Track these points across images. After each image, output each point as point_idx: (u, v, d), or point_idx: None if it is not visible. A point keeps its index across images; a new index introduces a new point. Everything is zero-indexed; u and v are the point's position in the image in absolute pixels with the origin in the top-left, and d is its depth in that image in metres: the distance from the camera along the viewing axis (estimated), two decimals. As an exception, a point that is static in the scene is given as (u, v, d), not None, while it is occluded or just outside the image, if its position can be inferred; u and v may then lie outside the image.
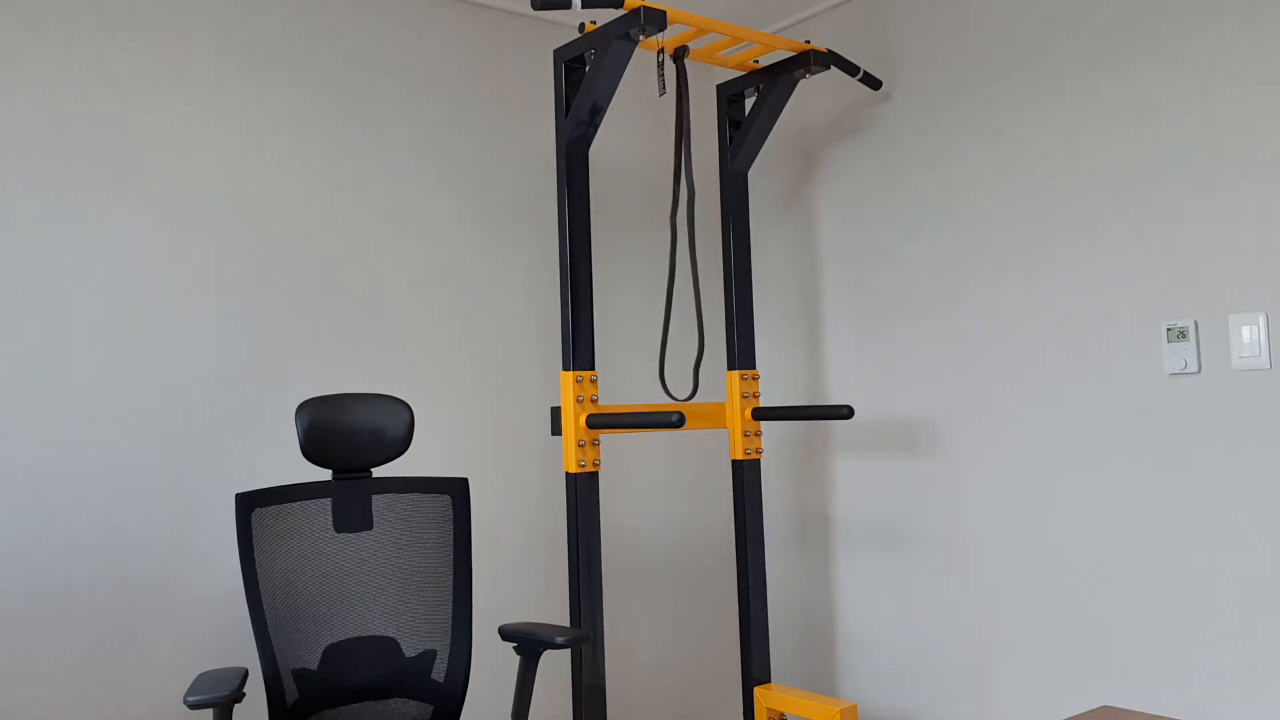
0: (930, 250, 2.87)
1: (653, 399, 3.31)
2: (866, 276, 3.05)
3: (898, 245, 2.96)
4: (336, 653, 2.09)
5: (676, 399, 2.71)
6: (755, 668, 2.83)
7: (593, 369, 2.59)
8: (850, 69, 2.85)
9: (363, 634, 2.12)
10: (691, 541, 3.36)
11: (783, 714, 2.81)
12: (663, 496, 3.30)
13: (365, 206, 2.79)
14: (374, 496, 2.16)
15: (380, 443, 2.17)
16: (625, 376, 3.25)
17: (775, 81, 2.80)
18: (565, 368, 2.58)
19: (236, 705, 2.47)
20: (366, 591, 2.13)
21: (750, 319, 2.93)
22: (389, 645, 2.14)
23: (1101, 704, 2.47)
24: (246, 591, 1.99)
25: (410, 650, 2.15)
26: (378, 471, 2.76)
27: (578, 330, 2.58)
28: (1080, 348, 2.51)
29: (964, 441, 2.77)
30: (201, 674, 1.89)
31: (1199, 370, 2.28)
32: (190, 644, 2.44)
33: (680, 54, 2.70)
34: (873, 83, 2.93)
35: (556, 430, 3.08)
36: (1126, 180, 2.43)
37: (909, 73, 2.94)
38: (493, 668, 2.92)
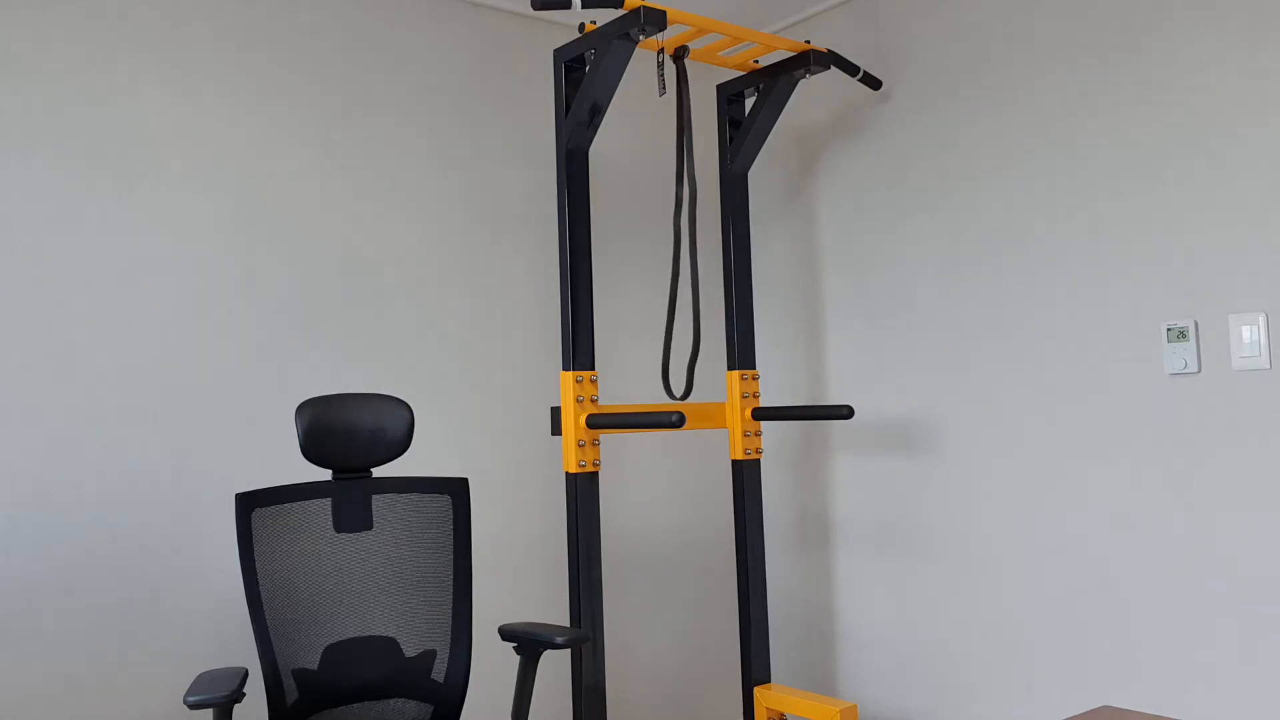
0: (930, 250, 2.87)
1: (653, 399, 3.31)
2: (867, 276, 3.05)
3: (898, 245, 2.96)
4: (336, 653, 2.09)
5: (675, 398, 2.72)
6: (755, 668, 2.82)
7: (593, 369, 2.59)
8: (850, 69, 2.85)
9: (363, 634, 2.12)
10: (691, 541, 3.36)
11: (783, 714, 2.81)
12: (663, 496, 3.30)
13: (365, 206, 2.79)
14: (374, 496, 2.16)
15: (380, 443, 2.17)
16: (625, 376, 3.25)
17: (775, 81, 2.80)
18: (565, 368, 2.58)
19: (236, 705, 2.47)
20: (366, 591, 2.13)
21: (750, 319, 2.93)
22: (389, 645, 2.14)
23: (1101, 704, 2.47)
24: (246, 591, 1.99)
25: (410, 650, 2.15)
26: (378, 471, 2.76)
27: (578, 330, 2.58)
28: (1080, 348, 2.51)
29: (964, 441, 2.77)
30: (201, 674, 1.89)
31: (1199, 370, 2.28)
32: (190, 644, 2.44)
33: (680, 54, 2.70)
34: (873, 83, 2.93)
35: (556, 430, 3.08)
36: (1127, 180, 2.43)
37: (909, 73, 2.94)
38: (493, 668, 2.92)
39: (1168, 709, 2.33)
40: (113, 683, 2.33)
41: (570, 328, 2.58)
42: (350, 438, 2.14)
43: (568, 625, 2.67)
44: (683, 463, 3.36)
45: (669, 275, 3.38)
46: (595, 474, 2.57)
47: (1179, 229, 2.33)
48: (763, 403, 3.40)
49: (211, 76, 2.58)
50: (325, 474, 2.72)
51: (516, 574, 2.97)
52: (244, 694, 1.81)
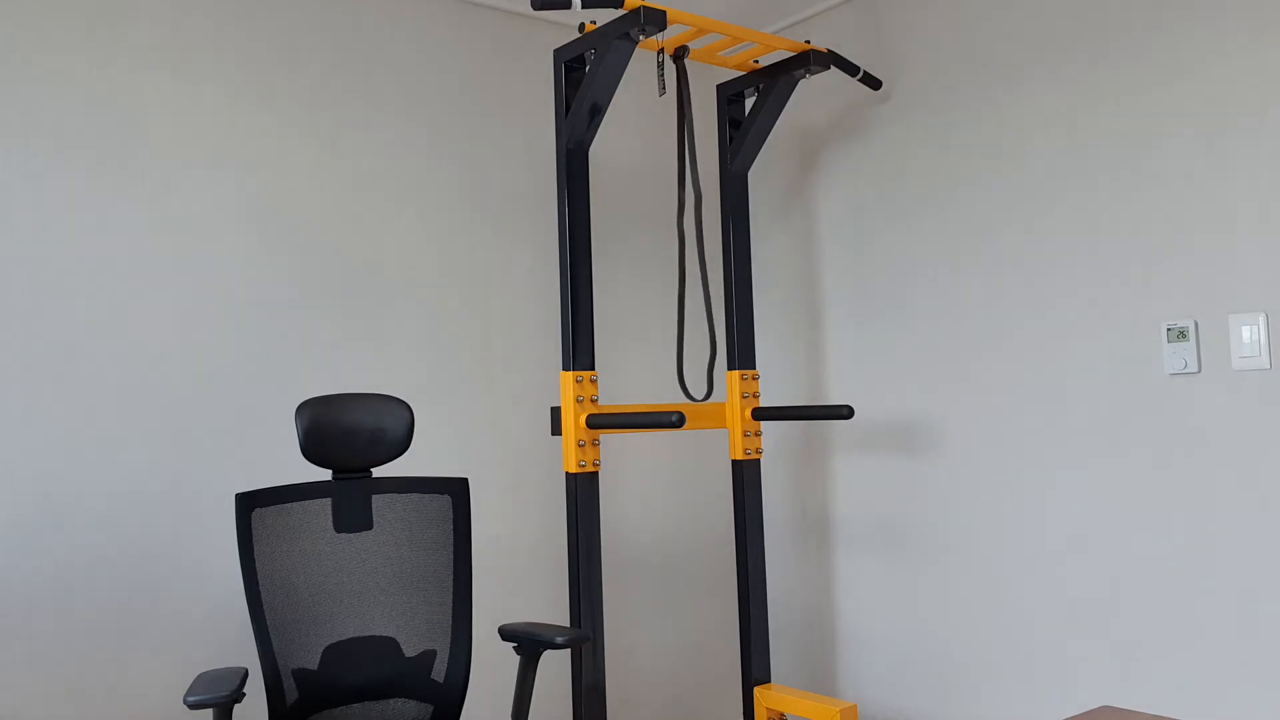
0: (931, 250, 2.87)
1: (653, 399, 3.31)
2: (866, 276, 3.05)
3: (898, 245, 2.96)
4: (336, 653, 2.09)
5: (695, 399, 2.74)
6: (755, 668, 2.83)
7: (593, 369, 2.59)
8: (850, 69, 2.85)
9: (363, 634, 2.12)
10: (691, 541, 3.36)
11: (783, 714, 2.81)
12: (663, 496, 3.30)
13: (365, 207, 2.79)
14: (374, 496, 2.16)
15: (380, 443, 2.17)
16: (625, 376, 3.25)
17: (775, 81, 2.80)
18: (565, 368, 2.58)
19: (236, 705, 2.47)
20: (366, 591, 2.13)
21: (750, 319, 2.93)
22: (389, 645, 2.14)
23: (1101, 704, 2.47)
24: (246, 591, 1.99)
25: (410, 650, 2.15)
26: (378, 471, 2.76)
27: (578, 330, 2.58)
28: (1080, 348, 2.51)
29: (964, 441, 2.77)
30: (201, 674, 1.89)
31: (1199, 370, 2.28)
32: (190, 644, 2.44)
33: (680, 54, 2.70)
34: (873, 83, 2.93)
35: (556, 430, 3.08)
36: (1127, 180, 2.43)
37: (909, 73, 2.94)
38: (493, 668, 2.92)
39: (1168, 709, 2.33)
40: (113, 683, 2.33)
41: (570, 328, 2.58)
42: (350, 438, 2.14)
43: (568, 625, 2.67)
44: (683, 463, 3.36)
45: (670, 275, 3.39)
46: (595, 474, 2.57)
47: (1179, 229, 2.33)
48: (763, 403, 3.40)
49: (212, 76, 2.58)
50: (325, 474, 2.72)
51: (516, 574, 2.97)
52: (244, 694, 1.81)
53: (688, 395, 2.70)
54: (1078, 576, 2.50)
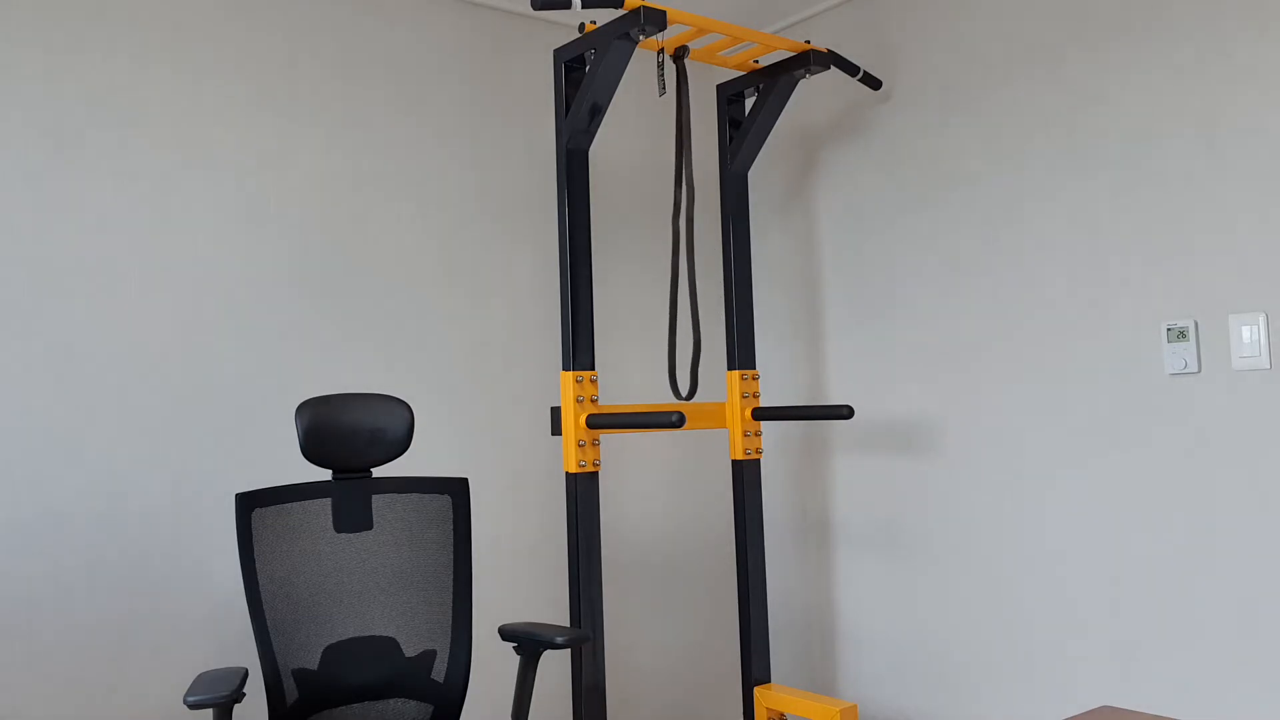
0: (930, 250, 2.87)
1: (652, 399, 3.31)
2: (866, 276, 3.05)
3: (898, 245, 2.96)
4: (336, 653, 2.09)
5: (681, 397, 2.73)
6: (755, 668, 2.83)
7: (593, 369, 2.59)
8: (850, 69, 2.85)
9: (363, 634, 2.12)
10: (691, 541, 3.36)
11: (783, 714, 2.81)
12: (663, 496, 3.30)
13: (365, 206, 2.79)
14: (374, 496, 2.16)
15: (380, 443, 2.17)
16: (625, 376, 3.25)
17: (775, 81, 2.80)
18: (565, 368, 2.58)
19: (236, 705, 2.47)
20: (366, 591, 2.13)
21: (750, 319, 2.93)
22: (389, 645, 2.14)
23: (1101, 704, 2.47)
24: (246, 591, 1.99)
25: (410, 650, 2.15)
26: (378, 471, 2.76)
27: (578, 330, 2.58)
28: (1080, 348, 2.51)
29: (964, 441, 2.77)
30: (201, 674, 1.89)
31: (1199, 370, 2.28)
32: (190, 644, 2.44)
33: (680, 54, 2.70)
34: (873, 83, 2.93)
35: (556, 430, 3.08)
36: (1127, 179, 2.43)
37: (909, 73, 2.94)
38: (493, 668, 2.92)
39: (1168, 709, 2.33)
40: (113, 683, 2.33)
41: (570, 328, 2.58)
42: (350, 438, 2.14)
43: (568, 625, 2.67)
44: (683, 463, 3.36)
45: (669, 276, 3.38)
46: (595, 474, 2.57)
47: (1179, 229, 2.33)
48: (763, 403, 3.40)
49: (211, 76, 2.58)
50: (325, 474, 2.72)
51: (516, 574, 2.97)
52: (244, 694, 1.81)
53: (676, 393, 2.69)
54: (1078, 576, 2.50)
